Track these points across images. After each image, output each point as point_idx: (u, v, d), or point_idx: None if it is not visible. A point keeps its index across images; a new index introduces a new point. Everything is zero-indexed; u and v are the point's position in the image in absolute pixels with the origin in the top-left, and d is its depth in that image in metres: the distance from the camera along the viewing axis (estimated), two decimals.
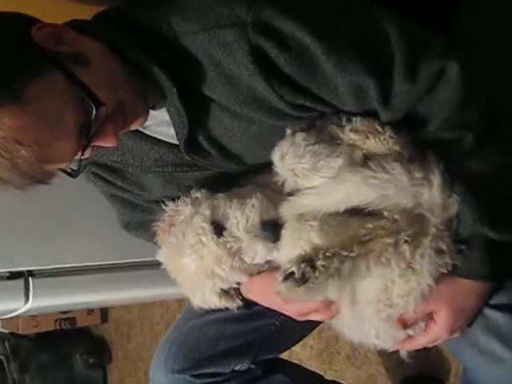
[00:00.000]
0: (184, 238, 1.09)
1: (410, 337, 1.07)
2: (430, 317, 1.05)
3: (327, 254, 0.99)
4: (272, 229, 1.05)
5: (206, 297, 1.14)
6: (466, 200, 1.00)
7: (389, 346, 1.11)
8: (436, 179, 1.00)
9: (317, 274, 0.97)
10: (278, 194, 1.10)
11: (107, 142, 1.01)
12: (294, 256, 1.01)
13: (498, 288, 1.05)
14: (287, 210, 1.06)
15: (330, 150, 1.03)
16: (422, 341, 1.07)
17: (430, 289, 1.02)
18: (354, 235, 1.01)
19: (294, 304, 1.13)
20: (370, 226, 1.01)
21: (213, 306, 1.16)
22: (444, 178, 1.00)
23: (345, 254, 0.99)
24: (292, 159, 1.04)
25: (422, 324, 1.06)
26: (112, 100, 0.97)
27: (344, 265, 0.99)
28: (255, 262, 1.08)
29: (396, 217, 1.01)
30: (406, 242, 1.00)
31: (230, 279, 1.10)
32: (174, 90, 1.01)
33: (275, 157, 1.07)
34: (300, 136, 1.04)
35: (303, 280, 0.97)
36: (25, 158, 0.91)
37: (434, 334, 1.05)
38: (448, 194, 1.00)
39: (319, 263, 0.98)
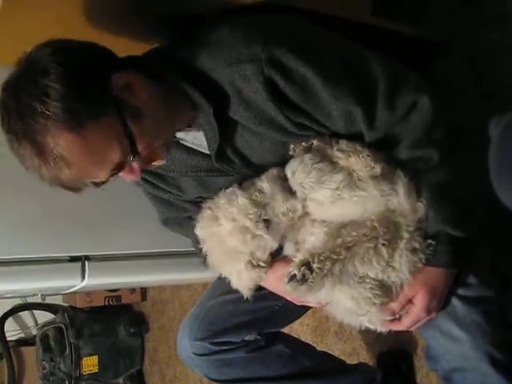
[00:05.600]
0: (217, 207, 1.07)
1: (396, 320, 1.06)
2: (410, 302, 1.04)
3: (321, 258, 0.99)
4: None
5: (240, 272, 1.11)
6: (431, 204, 1.00)
7: (378, 327, 1.10)
8: (400, 189, 1.00)
9: (314, 274, 0.98)
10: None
11: (130, 178, 1.03)
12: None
13: (465, 283, 1.05)
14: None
15: (331, 167, 1.03)
16: (406, 322, 1.06)
17: (408, 281, 1.02)
18: (342, 242, 1.02)
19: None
20: (354, 233, 1.02)
21: (246, 282, 1.13)
22: (409, 187, 1.00)
23: (335, 257, 1.00)
24: (301, 174, 1.04)
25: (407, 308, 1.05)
26: (148, 149, 0.99)
27: (335, 266, 1.00)
28: (275, 211, 1.05)
29: (375, 225, 1.01)
30: (383, 245, 1.01)
31: (258, 233, 1.05)
32: (211, 110, 1.02)
33: (287, 173, 1.07)
34: (307, 156, 1.04)
35: (303, 280, 0.99)
36: (65, 175, 0.94)
37: (414, 315, 1.04)
38: (415, 199, 1.00)
39: (315, 266, 0.99)
